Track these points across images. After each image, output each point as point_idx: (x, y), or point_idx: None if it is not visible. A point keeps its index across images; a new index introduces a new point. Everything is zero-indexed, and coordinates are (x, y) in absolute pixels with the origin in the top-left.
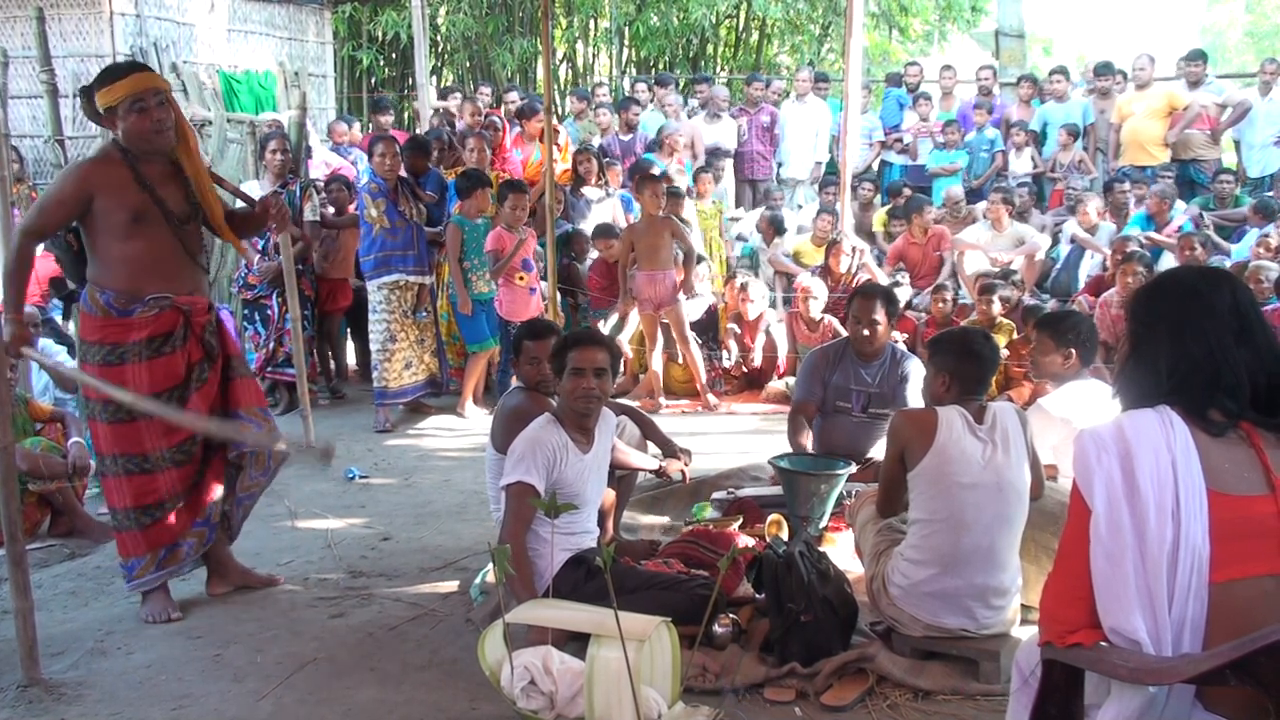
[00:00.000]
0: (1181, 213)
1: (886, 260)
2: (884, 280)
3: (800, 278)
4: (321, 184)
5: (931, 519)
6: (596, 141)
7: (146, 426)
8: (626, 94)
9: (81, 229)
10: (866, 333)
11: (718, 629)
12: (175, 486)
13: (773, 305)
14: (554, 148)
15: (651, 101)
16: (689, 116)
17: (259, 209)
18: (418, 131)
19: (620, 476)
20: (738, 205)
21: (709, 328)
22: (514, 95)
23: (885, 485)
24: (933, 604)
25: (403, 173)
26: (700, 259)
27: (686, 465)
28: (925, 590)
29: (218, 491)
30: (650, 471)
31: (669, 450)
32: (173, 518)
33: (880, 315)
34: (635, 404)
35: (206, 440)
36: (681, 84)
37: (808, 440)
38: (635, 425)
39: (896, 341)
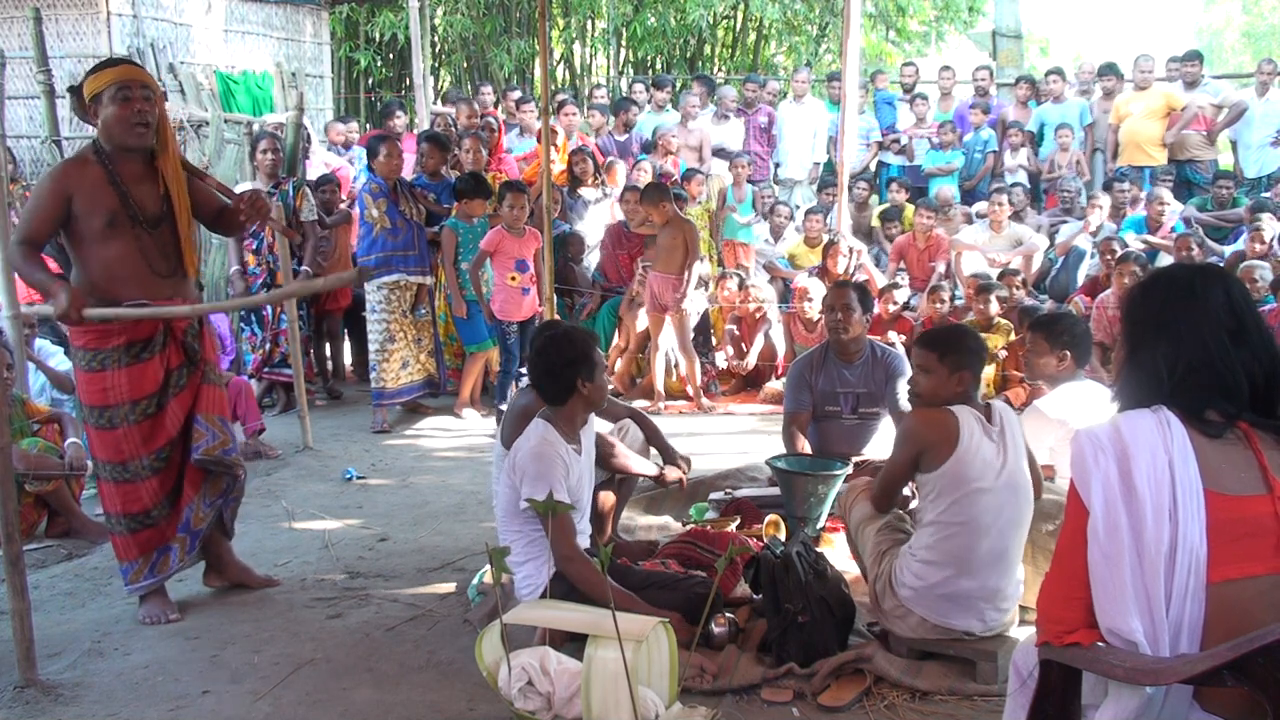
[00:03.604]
0: (1174, 214)
1: (889, 257)
2: (883, 281)
3: (798, 278)
4: (313, 184)
5: (952, 522)
6: (592, 142)
7: (125, 434)
8: (624, 95)
9: (62, 233)
10: (840, 317)
11: (715, 629)
12: (158, 494)
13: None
14: (551, 147)
15: (649, 102)
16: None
17: (233, 205)
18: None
19: (620, 480)
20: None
21: (703, 328)
22: (516, 95)
23: (888, 483)
24: (945, 606)
25: (405, 174)
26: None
27: (685, 473)
28: (939, 592)
29: (195, 498)
30: (649, 477)
31: (669, 457)
32: (161, 524)
33: (853, 302)
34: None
35: (183, 446)
36: (680, 84)
37: (804, 450)
38: (639, 429)
39: (879, 340)
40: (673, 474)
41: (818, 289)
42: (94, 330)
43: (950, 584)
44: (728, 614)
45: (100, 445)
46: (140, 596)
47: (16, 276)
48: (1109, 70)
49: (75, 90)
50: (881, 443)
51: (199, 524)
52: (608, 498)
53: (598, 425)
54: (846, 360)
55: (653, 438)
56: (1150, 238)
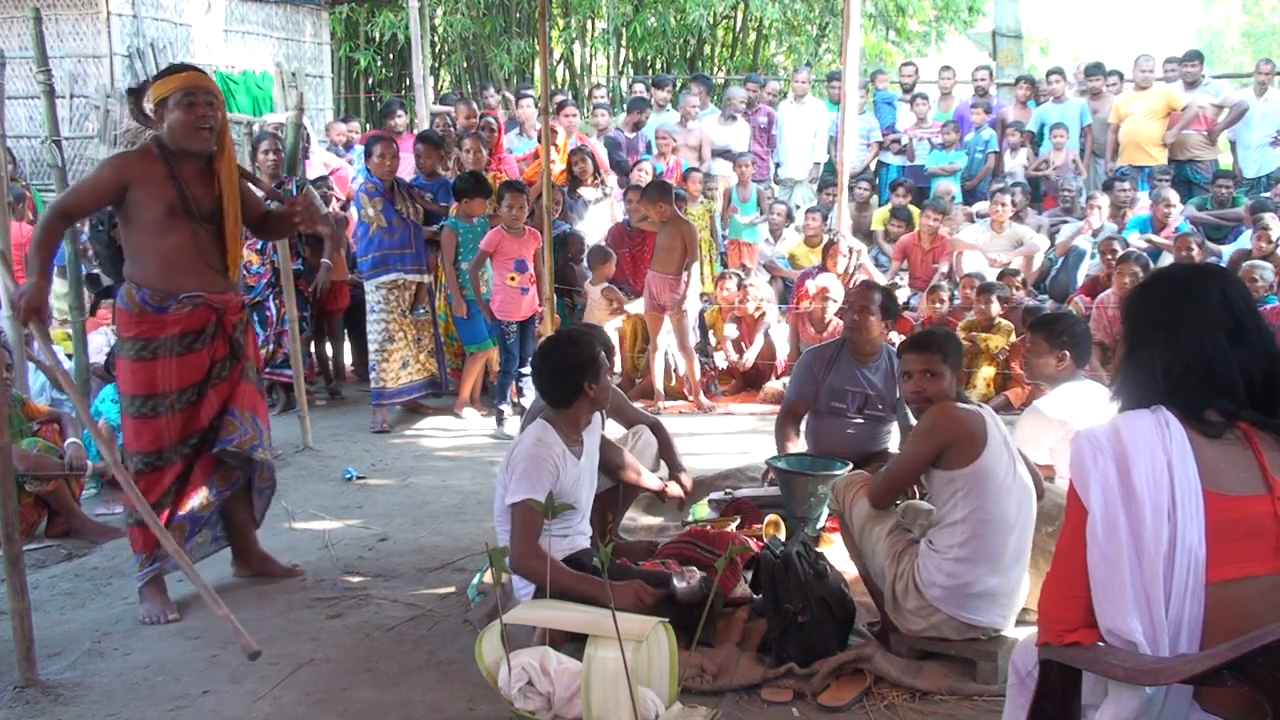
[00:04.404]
0: (1180, 214)
1: (893, 255)
2: (882, 281)
3: (819, 277)
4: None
5: (985, 520)
6: (595, 141)
7: (167, 423)
8: (628, 95)
9: (119, 223)
10: (857, 318)
11: (679, 583)
12: (172, 481)
13: (768, 302)
14: (551, 147)
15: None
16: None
17: (286, 207)
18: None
19: (624, 487)
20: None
21: (701, 329)
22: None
23: (900, 478)
24: (975, 603)
25: (401, 174)
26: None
27: (686, 492)
28: (971, 591)
29: (201, 488)
30: (652, 491)
31: (674, 474)
32: (165, 514)
33: (874, 306)
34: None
35: (203, 435)
36: (680, 84)
37: (793, 446)
38: (654, 438)
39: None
40: (674, 490)
41: (838, 289)
42: (149, 320)
43: (981, 581)
44: (694, 568)
45: (137, 435)
46: (140, 590)
47: (17, 270)
48: (1097, 70)
49: (135, 92)
50: (887, 447)
51: (203, 510)
52: (609, 504)
53: (611, 430)
54: (861, 360)
55: (665, 451)
56: (1153, 237)
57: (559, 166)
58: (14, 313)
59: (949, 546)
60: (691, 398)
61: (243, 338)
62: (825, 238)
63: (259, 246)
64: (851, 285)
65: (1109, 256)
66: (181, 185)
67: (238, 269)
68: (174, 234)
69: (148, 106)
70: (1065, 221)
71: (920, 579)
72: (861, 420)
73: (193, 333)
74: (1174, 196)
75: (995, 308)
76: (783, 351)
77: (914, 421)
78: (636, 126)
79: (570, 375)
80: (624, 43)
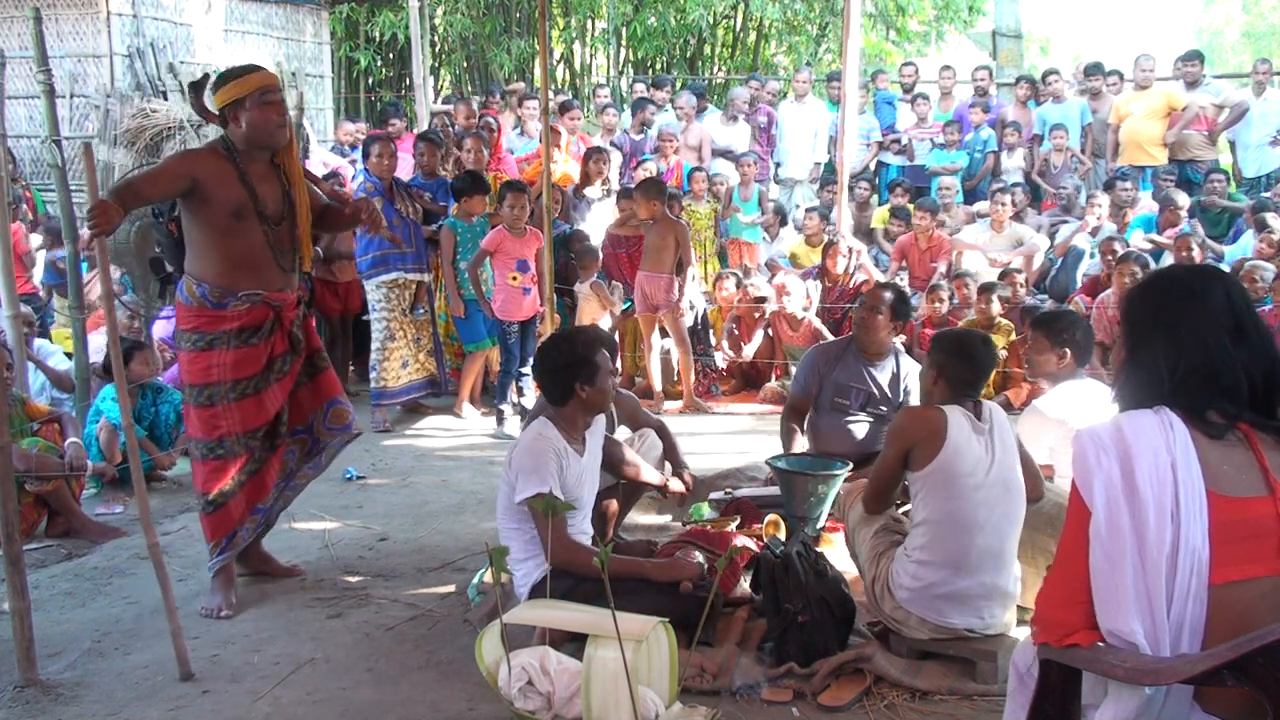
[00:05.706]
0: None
1: (892, 255)
2: (880, 280)
3: (777, 276)
4: None
5: (944, 520)
6: (597, 141)
7: (224, 411)
8: (630, 95)
9: (183, 219)
10: (864, 316)
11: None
12: (238, 473)
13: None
14: (553, 148)
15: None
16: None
17: (349, 209)
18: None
19: (626, 486)
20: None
21: (701, 330)
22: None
23: (878, 482)
24: (943, 605)
25: (401, 173)
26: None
27: (688, 490)
28: (937, 593)
29: (275, 481)
30: (654, 486)
31: (677, 471)
32: (232, 505)
33: (883, 306)
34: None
35: (271, 431)
36: (679, 83)
37: (797, 444)
38: (659, 440)
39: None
40: (676, 486)
41: (797, 285)
42: (207, 315)
43: (948, 584)
44: (690, 546)
45: (199, 423)
46: (212, 575)
47: (17, 270)
48: (1096, 69)
49: (196, 87)
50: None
51: (269, 502)
52: (610, 504)
53: (619, 433)
54: (868, 359)
55: (670, 453)
56: (1155, 237)
57: (562, 168)
58: (86, 215)
59: (914, 549)
60: (686, 398)
61: (301, 332)
62: (825, 237)
63: None
64: (852, 285)
65: (1109, 256)
66: (251, 186)
67: (309, 263)
68: (241, 234)
69: (209, 103)
70: (1065, 221)
71: (893, 581)
72: (863, 418)
73: (250, 328)
74: (1183, 199)
75: (995, 307)
76: None
77: None
78: (644, 127)
79: (561, 375)
80: (624, 42)
